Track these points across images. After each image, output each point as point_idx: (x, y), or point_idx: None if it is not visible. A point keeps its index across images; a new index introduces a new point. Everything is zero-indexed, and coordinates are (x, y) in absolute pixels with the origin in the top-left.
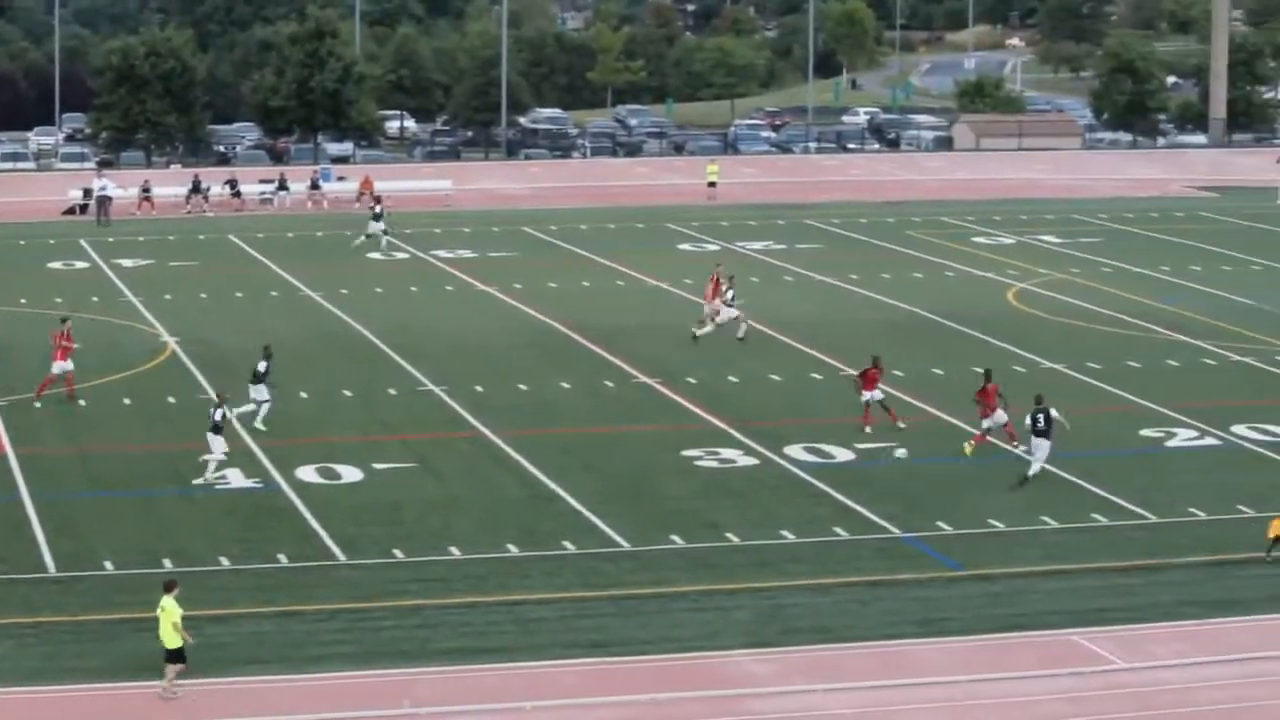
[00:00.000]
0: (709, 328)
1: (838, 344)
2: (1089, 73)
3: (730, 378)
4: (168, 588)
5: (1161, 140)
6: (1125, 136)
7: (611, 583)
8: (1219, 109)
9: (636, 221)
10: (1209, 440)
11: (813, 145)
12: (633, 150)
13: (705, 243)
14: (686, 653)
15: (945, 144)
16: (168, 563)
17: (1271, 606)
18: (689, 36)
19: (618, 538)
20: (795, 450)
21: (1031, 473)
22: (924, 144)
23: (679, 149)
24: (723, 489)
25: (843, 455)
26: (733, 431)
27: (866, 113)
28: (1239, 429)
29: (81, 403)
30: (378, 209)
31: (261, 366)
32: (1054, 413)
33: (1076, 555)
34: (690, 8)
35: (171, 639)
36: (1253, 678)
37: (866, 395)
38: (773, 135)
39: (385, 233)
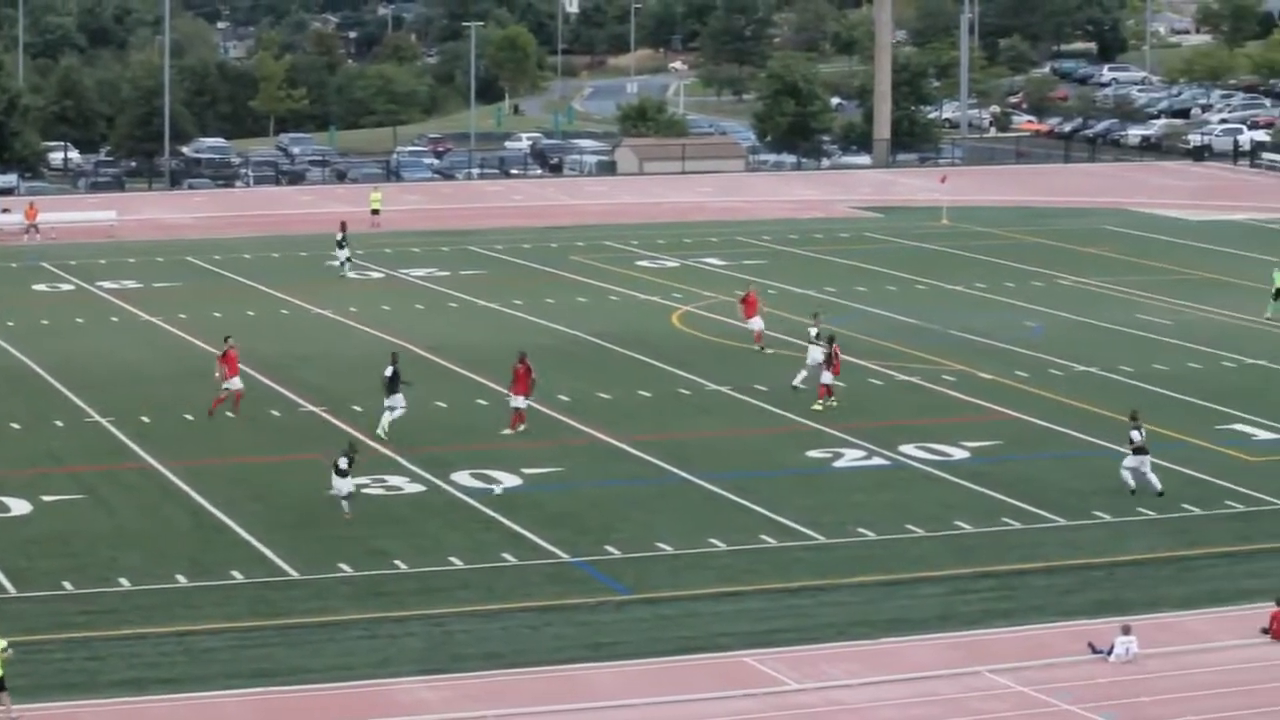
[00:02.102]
0: (803, 374)
1: (503, 370)
2: (752, 95)
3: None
4: None
5: (826, 161)
6: (789, 158)
7: (280, 611)
8: (883, 129)
9: (300, 250)
10: (877, 460)
11: (475, 171)
12: (296, 178)
13: (369, 270)
14: (356, 681)
15: (608, 168)
16: None
17: (943, 625)
18: (351, 64)
19: (286, 567)
20: (462, 476)
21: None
22: (587, 168)
23: (342, 176)
24: (390, 516)
25: (509, 480)
26: (399, 459)
27: (529, 138)
28: (907, 448)
29: None
30: (340, 236)
31: (388, 372)
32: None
33: (746, 577)
34: (352, 35)
35: None
36: (925, 697)
37: (516, 399)
38: (435, 162)
39: (348, 260)
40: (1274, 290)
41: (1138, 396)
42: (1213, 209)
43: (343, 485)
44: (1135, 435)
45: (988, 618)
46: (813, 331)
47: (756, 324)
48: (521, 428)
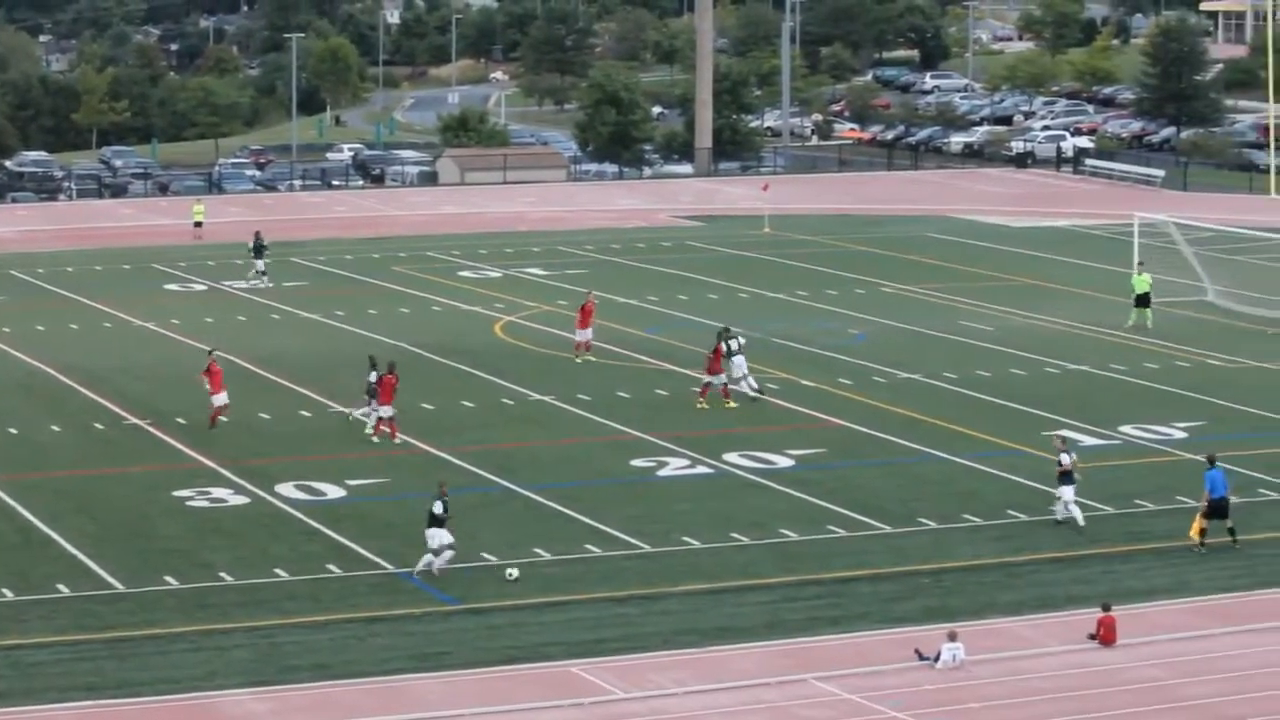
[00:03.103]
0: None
1: (325, 381)
2: (573, 104)
3: (220, 417)
4: None
5: (647, 170)
6: (611, 167)
7: (107, 625)
8: (704, 138)
9: (123, 263)
10: (701, 469)
11: (297, 183)
12: (118, 191)
13: (192, 283)
14: (184, 693)
15: (430, 178)
16: None
17: (770, 634)
18: (173, 76)
19: (112, 580)
20: (286, 488)
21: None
22: (409, 179)
23: (164, 189)
24: (215, 529)
25: (334, 492)
26: (223, 470)
27: (351, 149)
28: (731, 457)
29: None
30: (254, 245)
31: (373, 378)
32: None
33: (572, 586)
34: (174, 47)
35: None
36: (752, 705)
37: (382, 408)
38: (257, 173)
39: (265, 271)
40: (1134, 297)
41: (961, 403)
42: (1036, 215)
43: (442, 537)
44: (1064, 459)
45: (814, 625)
46: (732, 345)
47: (583, 334)
48: (375, 437)
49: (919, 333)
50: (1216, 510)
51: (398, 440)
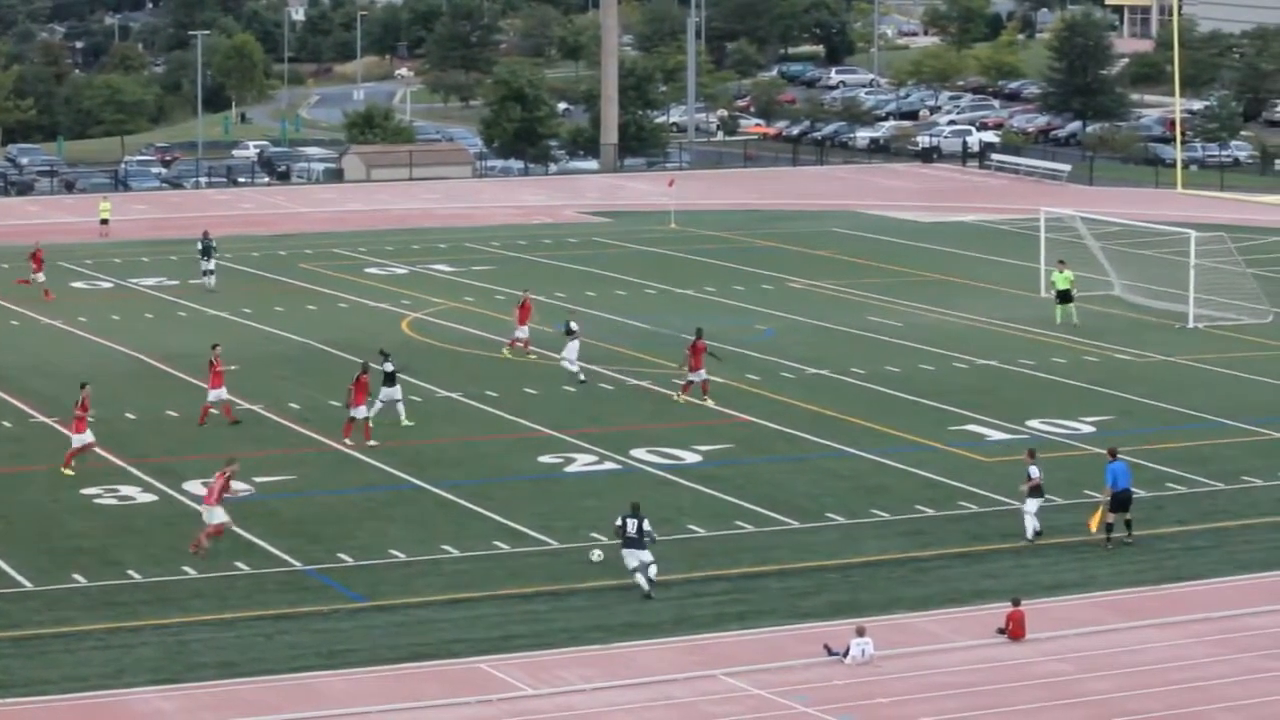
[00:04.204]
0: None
1: (235, 378)
2: (479, 101)
3: (128, 415)
4: None
5: (553, 166)
6: (517, 164)
7: (14, 623)
8: (610, 134)
9: (29, 261)
10: (609, 465)
11: (203, 180)
12: (24, 189)
13: (99, 280)
14: (92, 692)
15: (336, 175)
16: None
17: (677, 629)
18: (79, 74)
19: (20, 578)
20: (194, 486)
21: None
22: (315, 176)
23: (70, 187)
24: (124, 527)
25: (242, 489)
26: (131, 469)
27: (256, 146)
28: (639, 452)
29: None
30: (203, 245)
31: (388, 367)
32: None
33: (480, 583)
34: (79, 45)
35: None
36: (660, 701)
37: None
38: (163, 171)
39: (209, 272)
40: (1056, 294)
41: (870, 398)
42: (942, 210)
43: (644, 556)
44: (1033, 471)
45: (722, 621)
46: (572, 325)
47: (522, 332)
48: (349, 441)
49: (827, 328)
50: (1119, 503)
51: (349, 441)
